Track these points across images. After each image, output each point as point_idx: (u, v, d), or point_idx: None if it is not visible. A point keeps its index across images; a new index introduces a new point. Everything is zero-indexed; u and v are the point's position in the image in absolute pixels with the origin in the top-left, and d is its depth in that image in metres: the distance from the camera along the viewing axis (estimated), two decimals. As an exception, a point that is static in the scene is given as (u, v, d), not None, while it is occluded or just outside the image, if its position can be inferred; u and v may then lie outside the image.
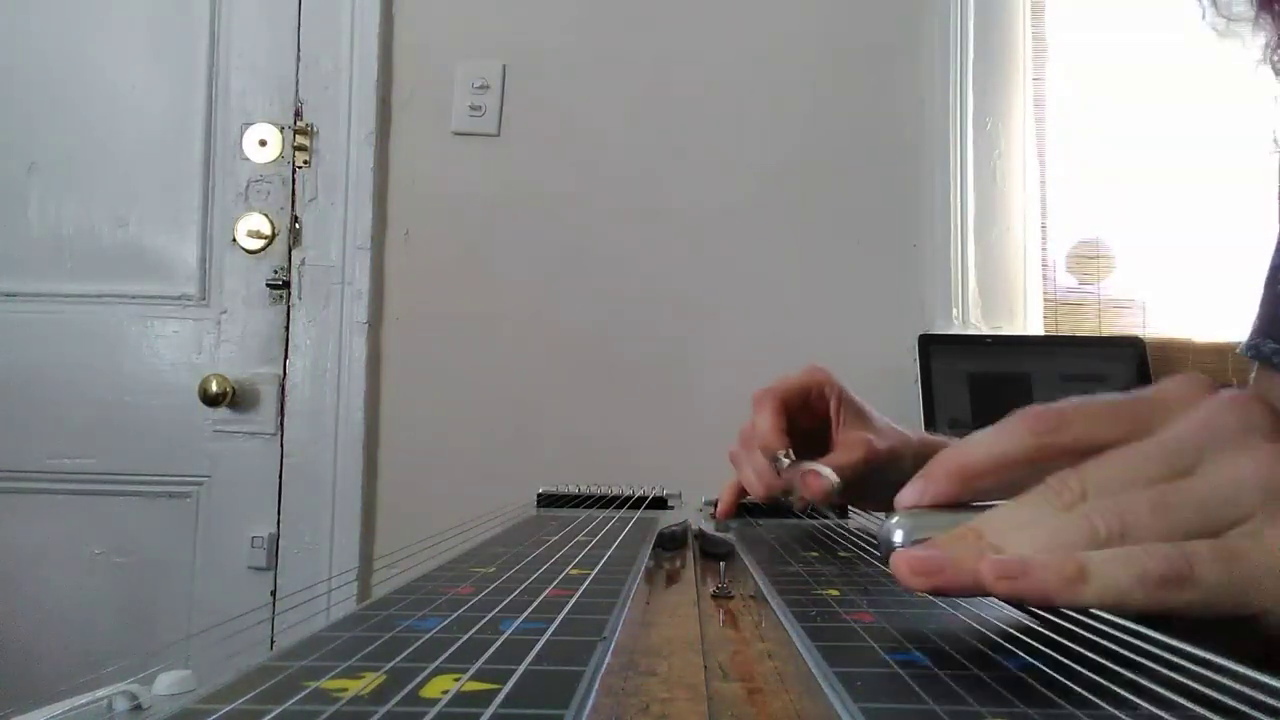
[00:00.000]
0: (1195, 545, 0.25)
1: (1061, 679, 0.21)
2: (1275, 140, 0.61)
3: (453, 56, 1.56)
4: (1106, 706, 0.19)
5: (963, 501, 0.29)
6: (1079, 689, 0.20)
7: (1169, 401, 0.29)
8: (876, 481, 0.58)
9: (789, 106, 1.57)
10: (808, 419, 0.60)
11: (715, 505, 0.64)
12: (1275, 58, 0.58)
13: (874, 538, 0.52)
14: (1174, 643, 0.22)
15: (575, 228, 1.55)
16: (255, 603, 1.46)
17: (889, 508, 0.30)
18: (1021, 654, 0.23)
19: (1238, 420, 0.27)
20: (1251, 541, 0.25)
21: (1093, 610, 0.25)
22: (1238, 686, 0.19)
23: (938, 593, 0.26)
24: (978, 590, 0.25)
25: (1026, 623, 0.27)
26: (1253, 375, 0.62)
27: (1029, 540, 0.26)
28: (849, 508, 0.69)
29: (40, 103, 1.57)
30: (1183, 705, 0.19)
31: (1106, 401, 0.29)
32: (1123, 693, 0.20)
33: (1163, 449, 0.27)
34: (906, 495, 0.29)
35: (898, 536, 0.28)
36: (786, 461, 0.54)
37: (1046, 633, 0.25)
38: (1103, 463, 0.27)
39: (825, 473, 0.52)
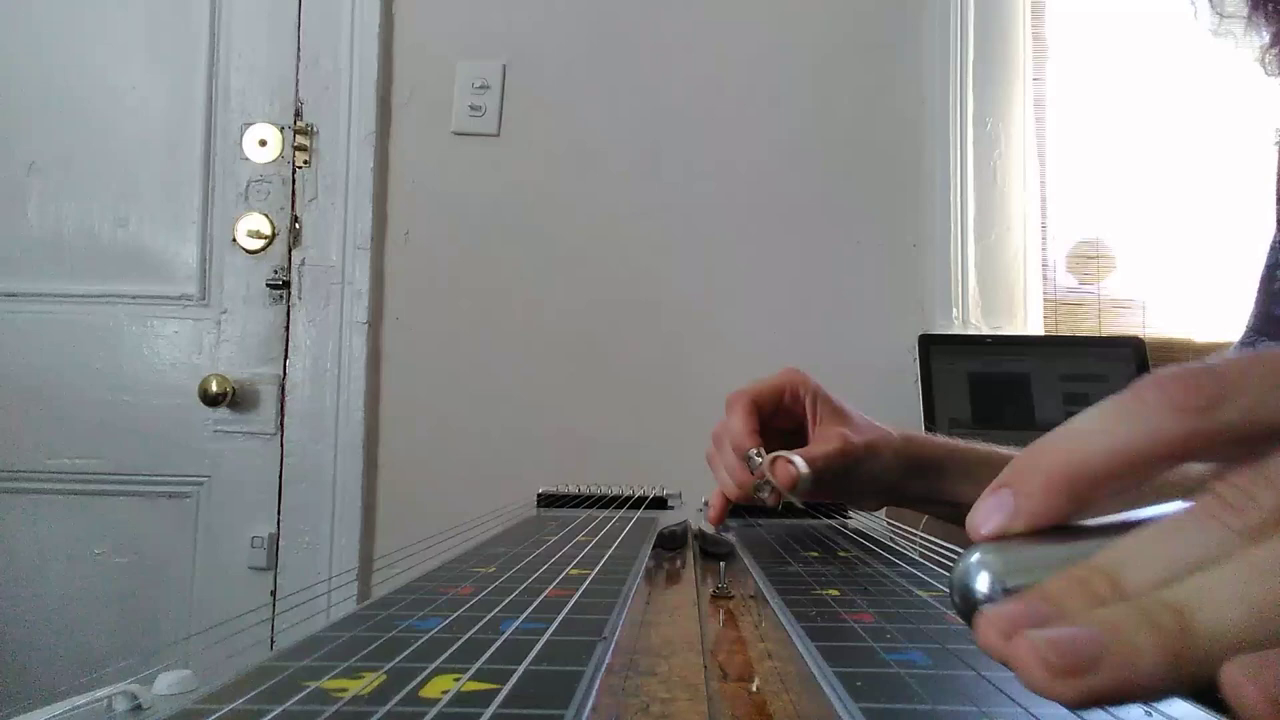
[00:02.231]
0: None
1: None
2: (1278, 130, 0.61)
3: (453, 56, 1.56)
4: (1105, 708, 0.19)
5: (1072, 523, 0.19)
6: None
7: None
8: (854, 477, 0.58)
9: (789, 106, 1.57)
10: (784, 420, 0.60)
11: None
12: (1269, 57, 0.58)
13: (874, 537, 0.52)
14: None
15: (575, 228, 1.55)
16: (255, 603, 1.46)
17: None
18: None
19: None
20: None
21: None
22: None
23: (1090, 704, 0.16)
24: (1153, 692, 0.16)
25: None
26: None
27: (1209, 594, 0.16)
28: (848, 509, 0.69)
29: (40, 103, 1.57)
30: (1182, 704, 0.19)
31: (1276, 360, 0.19)
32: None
33: None
34: (987, 517, 0.20)
35: (983, 583, 0.19)
36: (759, 460, 0.54)
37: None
38: None
39: (795, 461, 0.52)
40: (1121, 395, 0.19)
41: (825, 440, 0.57)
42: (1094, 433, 0.19)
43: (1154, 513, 0.19)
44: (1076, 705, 0.16)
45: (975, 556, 0.19)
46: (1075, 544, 0.19)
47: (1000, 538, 0.19)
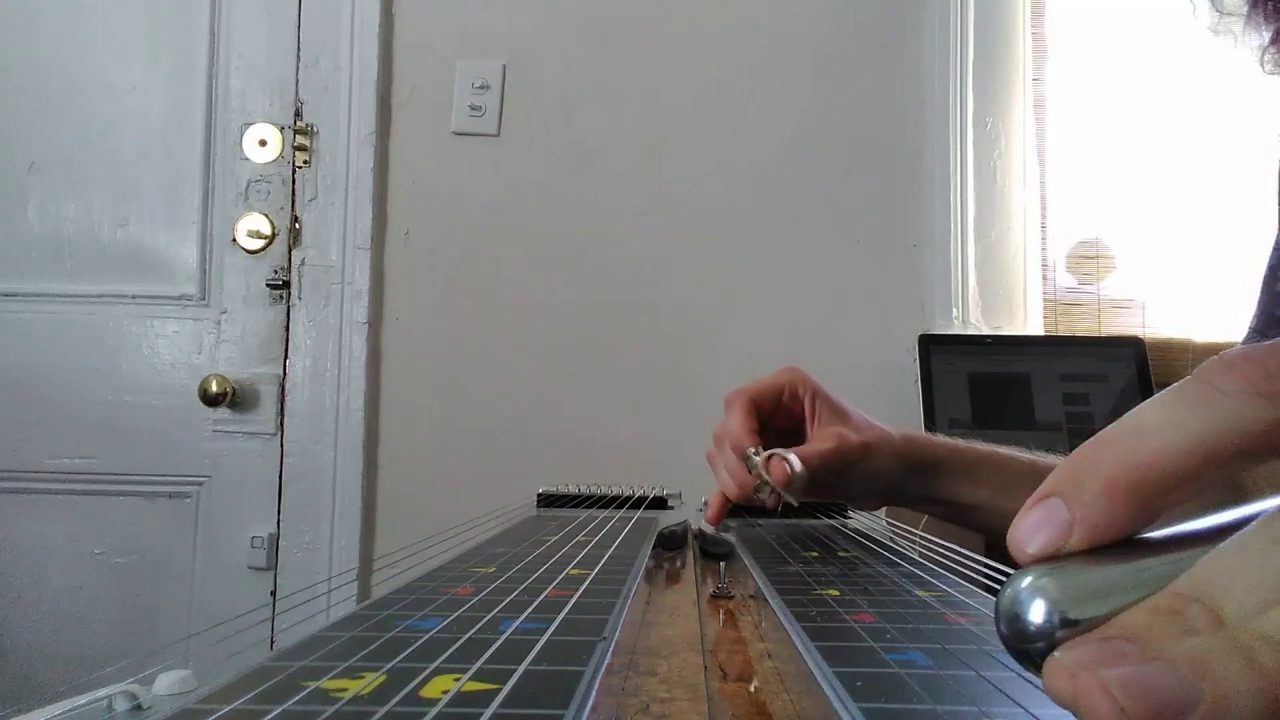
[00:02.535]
0: None
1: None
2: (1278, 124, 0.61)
3: (453, 56, 1.56)
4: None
5: (1137, 534, 0.16)
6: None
7: None
8: (853, 476, 0.58)
9: (789, 106, 1.57)
10: (784, 419, 0.60)
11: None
12: (1268, 55, 0.58)
13: (874, 537, 0.52)
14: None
15: (575, 227, 1.55)
16: (255, 603, 1.46)
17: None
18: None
19: None
20: None
21: None
22: None
23: None
24: None
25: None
26: None
27: None
28: (848, 509, 0.69)
29: (40, 103, 1.57)
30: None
31: None
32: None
33: None
34: (1034, 532, 0.16)
35: (1038, 613, 0.16)
36: (757, 459, 0.54)
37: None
38: None
39: (790, 458, 0.52)
40: (1187, 382, 0.16)
41: (822, 439, 0.57)
42: (1162, 426, 0.16)
43: (1234, 517, 0.15)
44: None
45: (1027, 581, 0.16)
46: (1146, 562, 0.16)
47: (1052, 558, 0.16)
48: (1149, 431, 0.16)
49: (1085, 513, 0.16)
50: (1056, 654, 0.15)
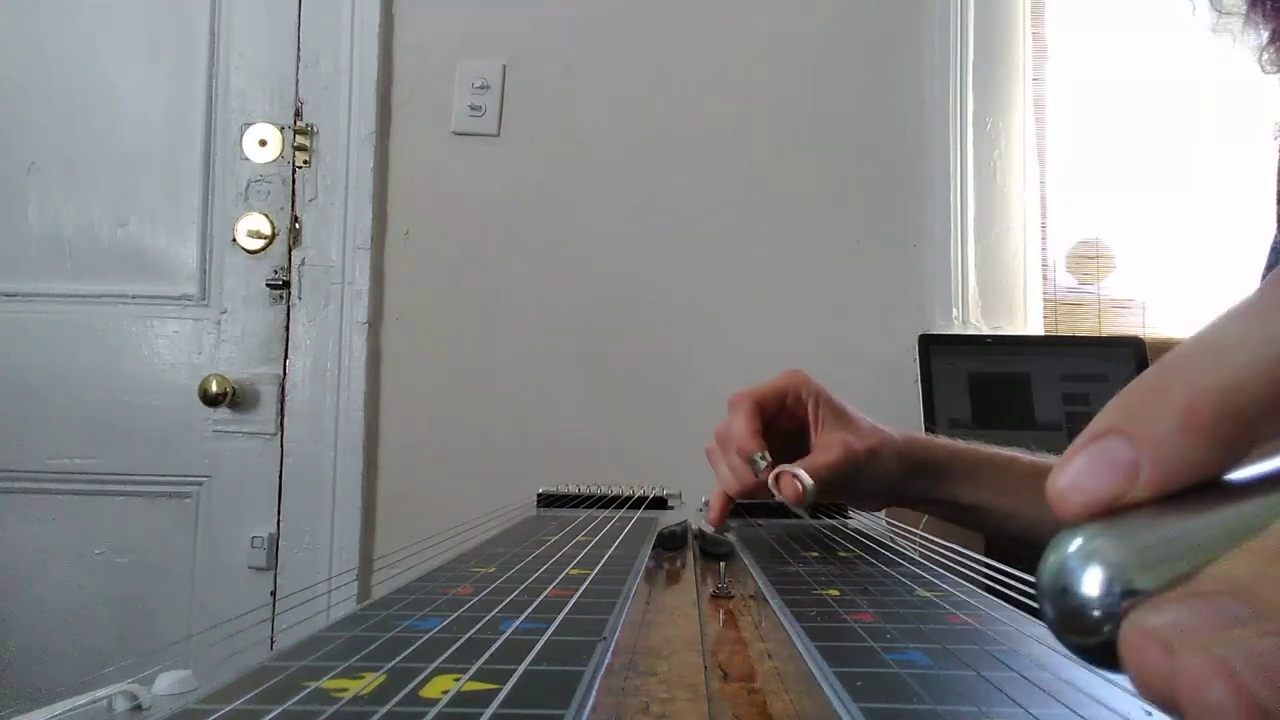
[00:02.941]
0: None
1: (1061, 679, 0.21)
2: (1277, 126, 0.61)
3: (453, 56, 1.56)
4: (1106, 706, 0.19)
5: (1219, 476, 0.13)
6: (1079, 688, 0.20)
7: None
8: (857, 480, 0.58)
9: (789, 106, 1.57)
10: (787, 421, 0.60)
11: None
12: (1267, 54, 0.58)
13: (874, 537, 0.52)
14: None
15: (575, 228, 1.55)
16: (255, 603, 1.46)
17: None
18: (1022, 654, 0.23)
19: None
20: None
21: None
22: None
23: None
24: None
25: (1027, 622, 0.27)
26: None
27: None
28: (848, 509, 0.69)
29: (40, 103, 1.56)
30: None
31: None
32: (1124, 691, 0.20)
33: None
34: (1088, 480, 0.13)
35: (1093, 584, 0.12)
36: (763, 463, 0.54)
37: (1046, 631, 0.25)
38: None
39: (800, 475, 0.53)
40: (1267, 285, 0.13)
41: (827, 448, 0.57)
42: (1247, 339, 0.13)
43: None
44: None
45: (1077, 543, 0.12)
46: (1233, 510, 0.12)
47: (1108, 512, 0.12)
48: (1232, 347, 0.13)
49: (1157, 451, 0.12)
50: (1139, 618, 0.11)
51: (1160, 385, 0.13)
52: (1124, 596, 0.12)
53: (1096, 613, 0.12)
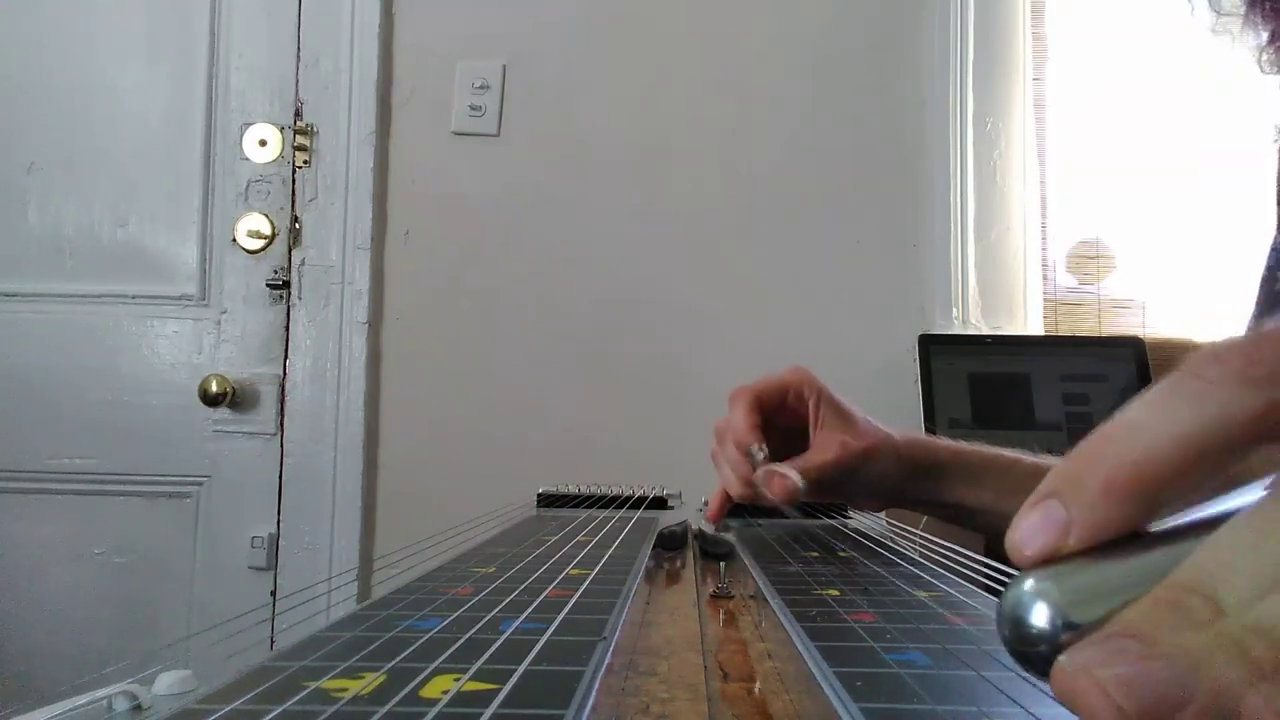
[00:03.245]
0: None
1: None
2: (1276, 128, 0.61)
3: (453, 56, 1.56)
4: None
5: (1141, 526, 0.16)
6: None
7: None
8: (856, 480, 0.58)
9: (789, 106, 1.57)
10: (787, 418, 0.60)
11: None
12: (1266, 55, 0.58)
13: (874, 537, 0.52)
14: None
15: (575, 228, 1.55)
16: (255, 603, 1.46)
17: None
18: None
19: None
20: None
21: None
22: None
23: None
24: None
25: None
26: None
27: None
28: (848, 509, 0.69)
29: (40, 103, 1.56)
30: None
31: None
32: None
33: None
34: (1033, 535, 0.16)
35: (1040, 617, 0.16)
36: (760, 456, 0.54)
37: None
38: None
39: (790, 474, 0.53)
40: (1176, 376, 0.17)
41: (824, 448, 0.57)
42: (1155, 421, 0.16)
43: (1235, 505, 0.15)
44: None
45: (1028, 584, 0.16)
46: (1147, 557, 0.15)
47: (1052, 560, 0.16)
48: (1142, 428, 0.16)
49: (1084, 513, 0.16)
50: (1061, 658, 0.15)
51: (1090, 457, 0.17)
52: (1064, 626, 0.15)
53: (1041, 639, 0.15)
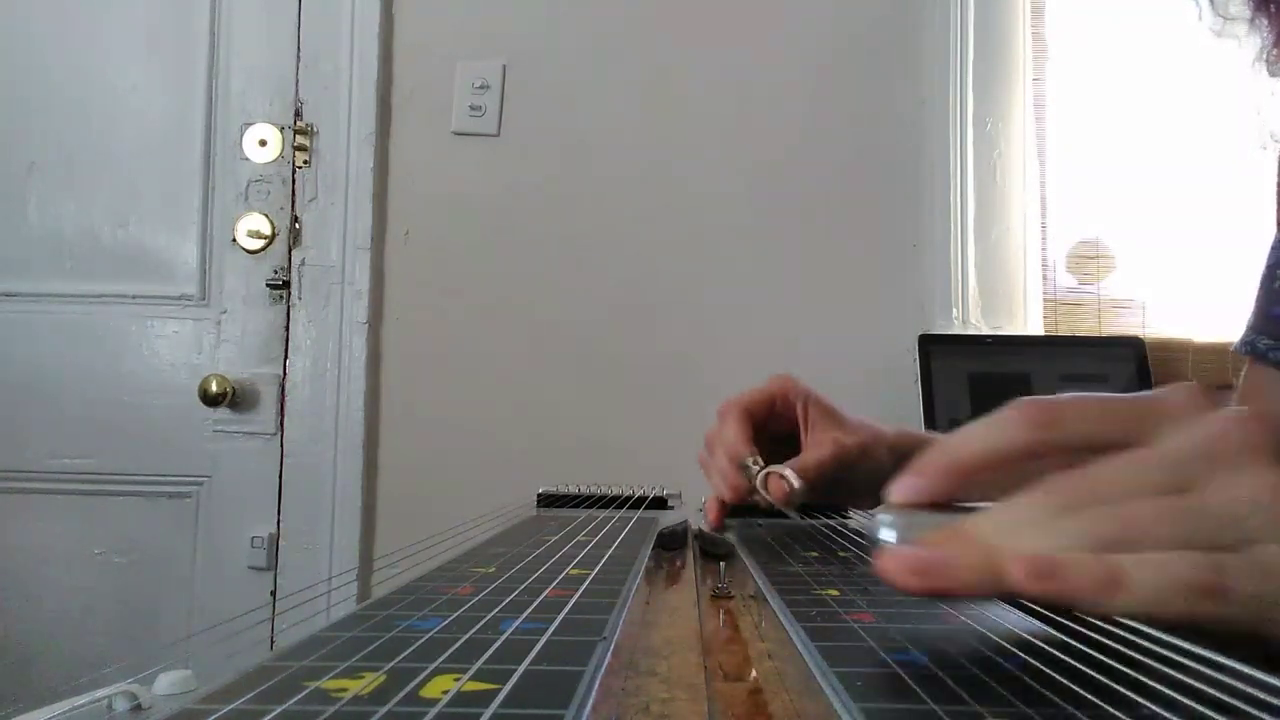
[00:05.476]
0: (1224, 557, 0.23)
1: (1061, 679, 0.21)
2: (1273, 137, 0.61)
3: (453, 56, 1.56)
4: (1106, 706, 0.19)
5: (955, 499, 0.28)
6: (1079, 689, 0.20)
7: (1168, 410, 0.27)
8: (851, 479, 0.58)
9: (789, 106, 1.57)
10: (778, 425, 0.61)
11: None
12: (1270, 57, 0.58)
13: (869, 536, 0.52)
14: (1175, 640, 0.22)
15: (575, 228, 1.55)
16: (255, 603, 1.46)
17: (868, 503, 0.30)
18: (1021, 654, 0.23)
19: (1241, 441, 0.25)
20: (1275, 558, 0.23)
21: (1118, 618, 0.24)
22: (1242, 687, 0.19)
23: (930, 594, 0.25)
24: (971, 592, 0.24)
25: (1026, 623, 0.27)
26: (1243, 372, 0.62)
27: (1026, 544, 0.24)
28: (848, 509, 0.69)
29: (40, 103, 1.57)
30: (1186, 705, 0.19)
31: (1104, 400, 0.28)
32: (1124, 692, 0.20)
33: (1165, 460, 0.25)
34: (897, 490, 0.28)
35: (887, 534, 0.27)
36: (756, 469, 0.55)
37: (1047, 631, 0.25)
38: (1105, 467, 0.26)
39: (787, 475, 0.53)
40: (997, 412, 0.28)
41: (818, 446, 0.57)
42: (973, 437, 0.28)
43: (1008, 502, 0.27)
44: (919, 594, 0.25)
45: (885, 516, 0.28)
46: (951, 514, 0.28)
47: (904, 505, 0.28)
48: (965, 439, 0.29)
49: (926, 483, 0.28)
50: (885, 550, 0.26)
51: (936, 451, 0.29)
52: (898, 541, 0.27)
53: (888, 548, 0.27)
